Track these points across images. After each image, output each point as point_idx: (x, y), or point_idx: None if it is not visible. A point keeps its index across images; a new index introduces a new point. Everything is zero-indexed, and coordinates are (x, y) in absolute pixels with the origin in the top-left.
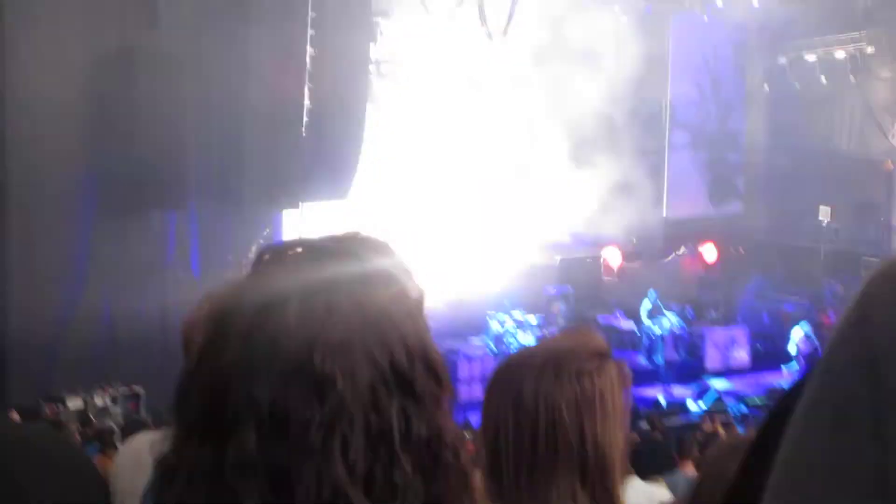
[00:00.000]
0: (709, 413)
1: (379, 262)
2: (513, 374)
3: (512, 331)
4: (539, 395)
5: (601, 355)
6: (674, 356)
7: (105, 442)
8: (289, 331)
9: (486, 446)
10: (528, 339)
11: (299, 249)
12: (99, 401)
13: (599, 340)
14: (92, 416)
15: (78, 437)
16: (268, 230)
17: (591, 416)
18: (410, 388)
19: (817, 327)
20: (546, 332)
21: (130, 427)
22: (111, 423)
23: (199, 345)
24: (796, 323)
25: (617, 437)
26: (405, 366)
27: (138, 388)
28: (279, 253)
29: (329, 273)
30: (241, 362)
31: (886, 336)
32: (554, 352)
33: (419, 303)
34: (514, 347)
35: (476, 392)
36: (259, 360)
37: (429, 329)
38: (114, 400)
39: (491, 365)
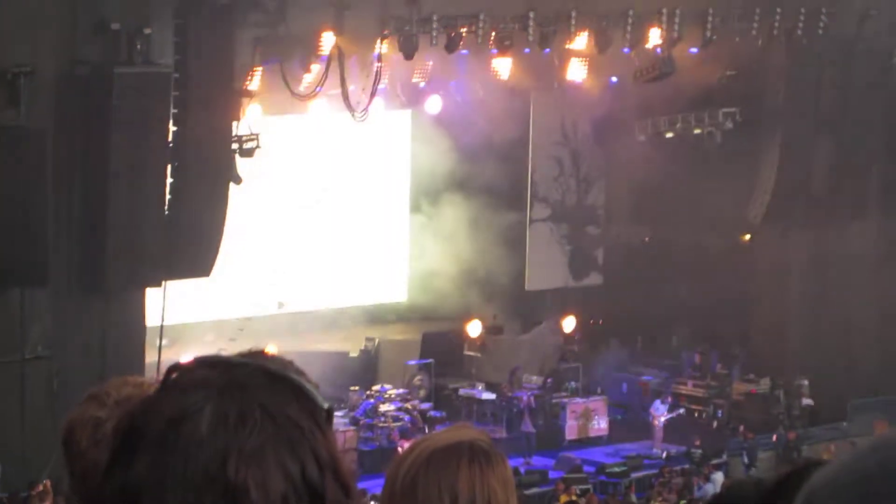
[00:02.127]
0: (564, 481)
1: (288, 375)
2: (439, 465)
3: (373, 403)
4: (475, 481)
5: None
6: (533, 427)
7: None
8: (201, 441)
9: None
10: (388, 410)
11: (207, 365)
12: None
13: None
14: None
15: None
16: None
17: (512, 493)
18: (320, 499)
19: (675, 398)
20: (409, 404)
21: None
22: None
23: (107, 457)
24: (655, 393)
25: None
26: (315, 477)
27: None
28: (187, 369)
29: (239, 384)
30: (152, 473)
31: None
32: (470, 442)
33: (328, 415)
34: (375, 419)
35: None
36: (171, 470)
37: (336, 440)
38: None
39: (352, 437)
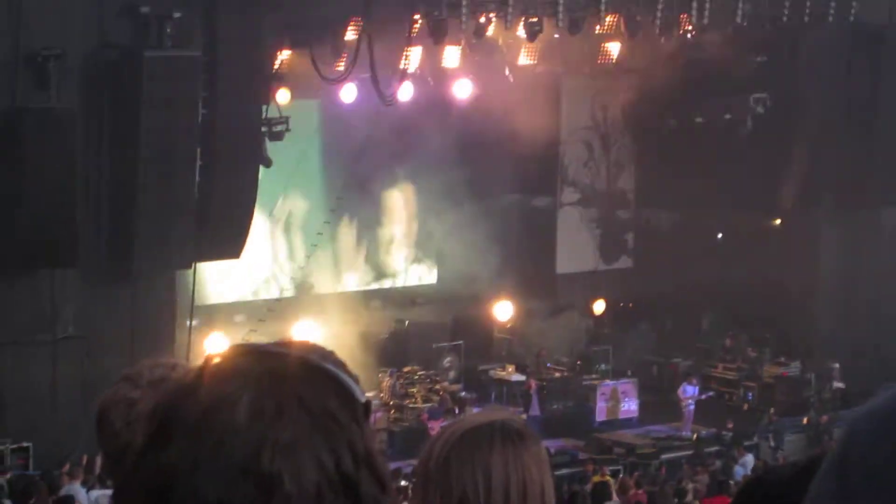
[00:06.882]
0: (594, 462)
1: (327, 367)
2: (472, 444)
3: (403, 385)
4: (509, 460)
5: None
6: (564, 408)
7: None
8: (237, 429)
9: None
10: (418, 391)
11: (246, 353)
12: None
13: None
14: None
15: None
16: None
17: (547, 472)
18: (355, 492)
19: (705, 380)
20: (439, 386)
21: (18, 482)
22: None
23: (141, 440)
24: (683, 376)
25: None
26: (351, 470)
27: (27, 444)
28: (226, 357)
29: (277, 375)
30: (187, 459)
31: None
32: (503, 423)
33: (366, 408)
34: (405, 401)
35: None
36: (206, 457)
37: (374, 434)
38: (1, 456)
39: (382, 419)
